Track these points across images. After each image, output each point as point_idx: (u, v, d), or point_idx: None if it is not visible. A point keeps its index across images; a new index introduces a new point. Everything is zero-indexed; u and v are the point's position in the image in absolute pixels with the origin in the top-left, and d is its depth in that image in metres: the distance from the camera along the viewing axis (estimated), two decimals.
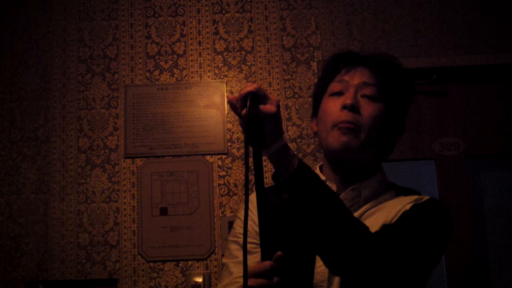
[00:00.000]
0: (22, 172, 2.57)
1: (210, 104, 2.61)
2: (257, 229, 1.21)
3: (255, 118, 1.03)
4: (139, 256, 2.49)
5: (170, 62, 2.67)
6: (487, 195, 2.70)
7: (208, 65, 2.66)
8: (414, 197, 1.24)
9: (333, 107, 1.24)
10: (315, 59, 2.65)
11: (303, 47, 2.66)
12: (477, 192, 2.69)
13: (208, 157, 2.57)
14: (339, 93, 1.26)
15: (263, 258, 1.03)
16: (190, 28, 2.70)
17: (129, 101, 2.63)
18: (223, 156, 2.57)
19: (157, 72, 2.66)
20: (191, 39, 2.69)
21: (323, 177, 1.26)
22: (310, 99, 2.47)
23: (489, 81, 2.70)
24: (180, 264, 2.48)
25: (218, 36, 2.69)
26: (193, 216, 2.51)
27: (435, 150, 2.65)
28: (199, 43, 2.69)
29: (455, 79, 2.69)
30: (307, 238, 1.10)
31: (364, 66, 1.28)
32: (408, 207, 1.19)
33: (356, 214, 1.20)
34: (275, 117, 1.04)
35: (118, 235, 2.51)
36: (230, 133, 2.59)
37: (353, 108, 1.21)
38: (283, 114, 2.58)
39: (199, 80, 2.65)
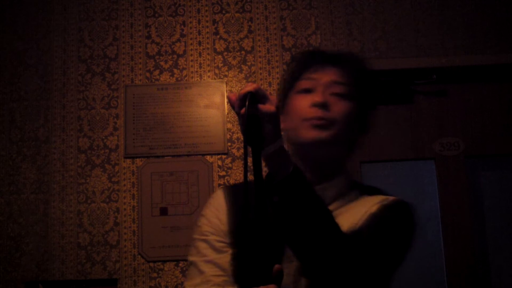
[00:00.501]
0: (22, 172, 2.57)
1: (210, 104, 2.61)
2: (224, 228, 1.23)
3: (254, 118, 1.03)
4: (139, 256, 2.49)
5: (170, 62, 2.67)
6: (487, 195, 2.69)
7: (208, 65, 2.66)
8: (380, 197, 1.24)
9: (302, 104, 1.24)
10: None
11: (303, 47, 2.66)
12: (477, 192, 2.69)
13: (208, 157, 2.57)
14: (307, 90, 1.25)
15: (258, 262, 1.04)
16: (190, 28, 2.70)
17: (129, 101, 2.63)
18: (223, 156, 2.57)
19: (157, 72, 2.66)
20: (191, 39, 2.69)
21: None
22: None
23: (489, 81, 2.69)
24: (180, 264, 2.48)
25: (218, 36, 2.69)
26: (193, 216, 2.51)
27: (435, 150, 2.65)
28: (199, 43, 2.69)
29: (455, 79, 2.68)
30: (290, 241, 1.10)
31: (333, 64, 1.28)
32: (374, 208, 1.19)
33: None
34: (274, 117, 1.04)
35: (118, 235, 2.51)
36: (230, 133, 2.59)
37: (323, 105, 1.21)
38: None
39: (199, 80, 2.65)
